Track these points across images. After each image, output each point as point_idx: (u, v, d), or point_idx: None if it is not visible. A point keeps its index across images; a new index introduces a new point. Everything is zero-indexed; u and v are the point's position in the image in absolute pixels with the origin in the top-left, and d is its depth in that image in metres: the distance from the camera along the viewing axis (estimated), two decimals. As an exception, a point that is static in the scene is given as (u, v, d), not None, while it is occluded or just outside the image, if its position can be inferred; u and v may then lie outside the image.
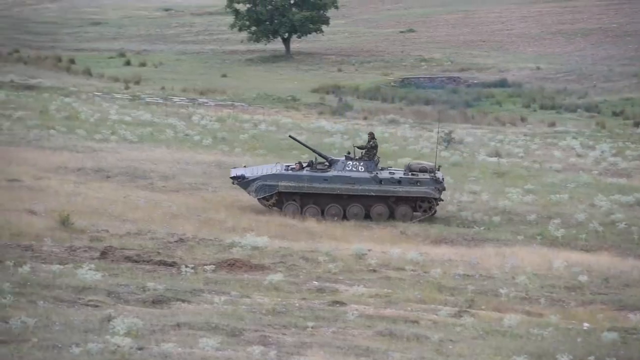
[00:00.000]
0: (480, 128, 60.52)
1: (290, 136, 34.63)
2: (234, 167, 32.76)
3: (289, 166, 31.45)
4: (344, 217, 30.47)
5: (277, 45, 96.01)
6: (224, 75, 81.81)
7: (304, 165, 31.08)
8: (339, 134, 50.99)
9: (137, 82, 73.24)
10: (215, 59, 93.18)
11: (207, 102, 63.95)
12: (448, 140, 50.06)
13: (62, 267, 19.59)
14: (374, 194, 30.63)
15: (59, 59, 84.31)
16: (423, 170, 31.46)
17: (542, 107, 71.13)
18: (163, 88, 70.22)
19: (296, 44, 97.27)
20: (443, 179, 31.50)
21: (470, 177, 39.48)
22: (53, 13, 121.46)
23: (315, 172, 30.59)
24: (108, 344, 13.79)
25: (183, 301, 17.78)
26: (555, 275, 23.32)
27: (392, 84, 79.66)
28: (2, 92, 56.60)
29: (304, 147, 33.18)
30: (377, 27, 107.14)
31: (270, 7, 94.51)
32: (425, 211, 31.13)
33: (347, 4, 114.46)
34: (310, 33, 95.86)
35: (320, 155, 31.53)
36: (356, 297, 19.55)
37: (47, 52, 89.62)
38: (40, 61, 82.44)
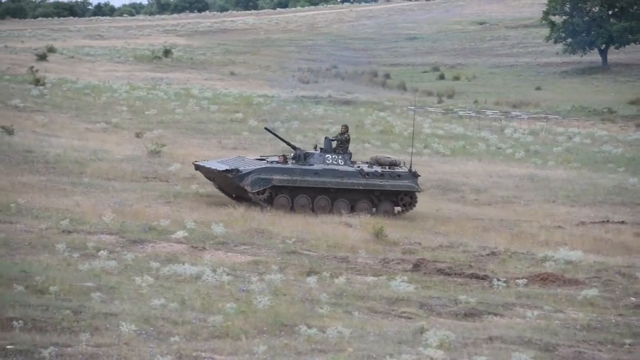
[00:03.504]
0: None
1: (265, 128, 33.30)
2: (202, 160, 31.39)
3: (262, 158, 30.26)
4: (331, 210, 29.19)
5: (594, 56, 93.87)
6: (538, 88, 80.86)
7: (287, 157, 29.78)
8: (658, 147, 49.23)
9: (451, 96, 73.73)
10: (529, 71, 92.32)
11: (520, 115, 63.41)
12: None
13: (376, 278, 19.95)
14: (361, 187, 29.52)
15: (375, 74, 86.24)
16: (393, 164, 30.31)
17: None
18: (476, 101, 70.30)
19: (614, 55, 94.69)
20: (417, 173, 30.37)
21: None
22: (370, 29, 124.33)
23: (304, 165, 29.37)
24: (421, 356, 13.89)
25: (495, 315, 17.66)
26: None
27: None
28: (320, 107, 58.52)
29: (280, 139, 31.47)
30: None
31: (587, 18, 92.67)
32: (406, 206, 30.04)
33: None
34: (629, 44, 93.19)
35: (293, 147, 30.26)
36: (677, 316, 18.74)
37: (363, 67, 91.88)
38: (357, 76, 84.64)
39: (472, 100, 71.06)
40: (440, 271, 21.46)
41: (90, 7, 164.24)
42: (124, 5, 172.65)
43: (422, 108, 64.33)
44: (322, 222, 27.26)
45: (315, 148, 30.43)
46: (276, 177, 28.83)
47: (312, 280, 18.79)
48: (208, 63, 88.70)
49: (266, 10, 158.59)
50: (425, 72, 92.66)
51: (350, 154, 30.36)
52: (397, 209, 30.27)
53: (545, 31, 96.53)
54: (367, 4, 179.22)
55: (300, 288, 18.33)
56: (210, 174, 29.93)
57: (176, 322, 14.82)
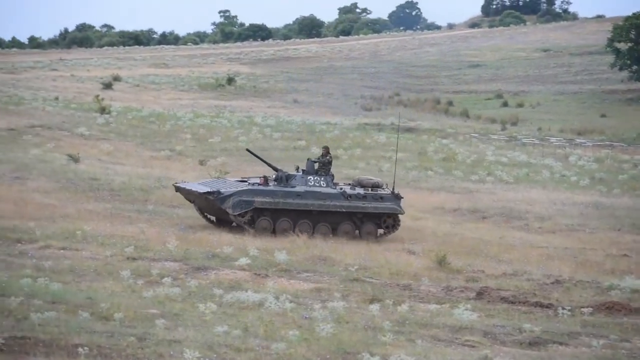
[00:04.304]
0: None
1: (247, 149, 32.83)
2: (182, 182, 31.05)
3: (244, 180, 29.94)
4: (313, 232, 28.84)
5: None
6: (603, 115, 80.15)
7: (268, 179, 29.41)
8: None
9: (514, 123, 73.34)
10: (594, 98, 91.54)
11: (584, 143, 62.88)
12: None
13: (439, 306, 19.87)
14: (344, 210, 29.14)
15: (438, 101, 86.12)
16: (375, 185, 29.90)
17: None
18: (540, 129, 69.84)
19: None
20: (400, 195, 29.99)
21: None
22: (433, 56, 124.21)
23: (286, 187, 28.98)
24: (484, 385, 13.83)
25: (560, 344, 17.51)
26: None
27: None
28: (383, 135, 58.55)
29: (261, 160, 30.91)
30: None
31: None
32: (389, 228, 29.70)
33: None
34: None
35: (275, 169, 29.86)
36: None
37: (426, 94, 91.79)
38: (419, 104, 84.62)
39: (536, 128, 70.59)
40: (504, 299, 21.32)
41: (155, 35, 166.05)
42: (189, 34, 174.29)
43: (486, 135, 64.08)
44: (384, 249, 27.25)
45: (297, 170, 30.07)
46: (258, 199, 28.60)
47: (374, 307, 18.77)
48: (271, 91, 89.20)
49: (329, 38, 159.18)
50: (489, 99, 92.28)
51: (333, 175, 30.09)
52: (380, 231, 30.09)
53: (610, 58, 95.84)
54: (430, 31, 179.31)
55: (363, 315, 18.32)
56: (191, 196, 29.71)
57: (239, 349, 14.87)
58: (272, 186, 29.07)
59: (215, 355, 14.39)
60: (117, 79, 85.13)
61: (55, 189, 33.14)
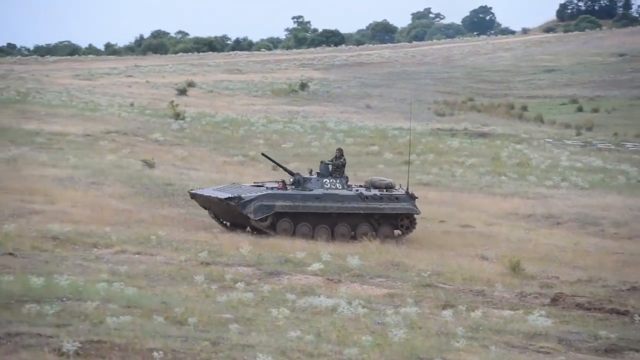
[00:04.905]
0: None
1: (262, 154, 32.69)
2: (197, 189, 30.80)
3: (259, 185, 29.83)
4: (332, 235, 28.80)
5: None
6: (681, 119, 78.97)
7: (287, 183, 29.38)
8: None
9: (589, 128, 72.58)
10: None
11: (661, 148, 62.04)
12: None
13: (512, 312, 19.73)
14: (362, 212, 29.03)
15: (512, 106, 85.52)
16: (388, 186, 29.75)
17: None
18: (615, 134, 69.04)
19: None
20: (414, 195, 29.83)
21: None
22: (507, 61, 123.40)
23: (304, 190, 28.86)
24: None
25: (637, 351, 17.28)
26: None
27: None
28: (456, 140, 58.29)
29: (277, 165, 30.89)
30: None
31: None
32: (407, 229, 29.59)
33: None
34: None
35: (291, 173, 29.68)
36: None
37: (500, 99, 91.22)
38: (493, 109, 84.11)
39: (612, 133, 69.81)
40: (579, 306, 21.10)
41: (229, 42, 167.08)
42: (262, 40, 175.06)
43: (560, 140, 63.50)
44: (457, 254, 27.14)
45: (310, 173, 30.12)
46: (278, 203, 28.68)
47: (447, 313, 18.69)
48: (344, 96, 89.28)
49: (402, 44, 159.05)
50: (563, 104, 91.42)
51: (347, 177, 30.11)
52: (397, 232, 30.04)
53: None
54: (504, 36, 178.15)
55: (436, 321, 18.25)
56: (208, 203, 29.72)
57: (312, 354, 14.89)
58: (290, 190, 29.27)
59: (288, 360, 14.44)
60: (191, 85, 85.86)
61: (131, 194, 33.52)
